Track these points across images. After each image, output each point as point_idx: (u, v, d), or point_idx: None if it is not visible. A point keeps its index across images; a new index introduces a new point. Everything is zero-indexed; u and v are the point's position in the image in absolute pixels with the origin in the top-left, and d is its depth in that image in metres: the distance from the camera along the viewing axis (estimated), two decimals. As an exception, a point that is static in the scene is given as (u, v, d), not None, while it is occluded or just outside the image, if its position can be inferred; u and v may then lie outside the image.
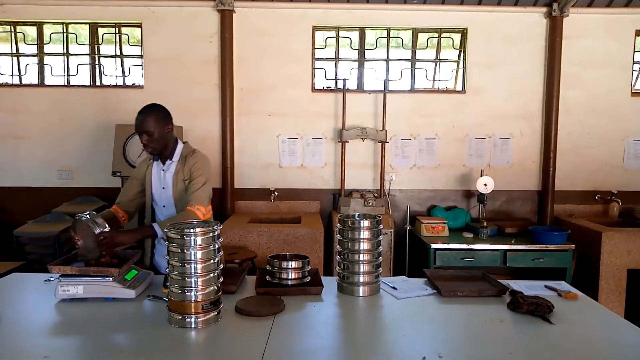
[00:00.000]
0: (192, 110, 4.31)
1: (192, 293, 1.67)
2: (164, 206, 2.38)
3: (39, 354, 1.46)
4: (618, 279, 3.67)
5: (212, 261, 1.72)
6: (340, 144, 4.30)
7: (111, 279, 1.91)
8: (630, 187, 4.44)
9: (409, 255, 4.11)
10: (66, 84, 4.40)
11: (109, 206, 4.10)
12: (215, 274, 1.74)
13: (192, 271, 1.68)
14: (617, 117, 4.42)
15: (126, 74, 4.43)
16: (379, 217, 2.12)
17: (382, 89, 4.29)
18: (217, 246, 1.75)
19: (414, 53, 4.44)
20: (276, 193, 4.37)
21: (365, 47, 4.44)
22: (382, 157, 4.30)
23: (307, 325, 1.76)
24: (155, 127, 2.25)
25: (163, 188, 2.37)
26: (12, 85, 4.39)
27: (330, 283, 2.14)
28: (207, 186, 2.32)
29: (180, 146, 2.40)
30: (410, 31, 4.42)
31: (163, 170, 2.38)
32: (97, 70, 4.42)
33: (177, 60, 4.29)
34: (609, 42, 4.35)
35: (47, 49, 4.40)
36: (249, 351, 1.50)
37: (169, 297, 1.72)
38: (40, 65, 4.40)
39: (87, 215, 2.03)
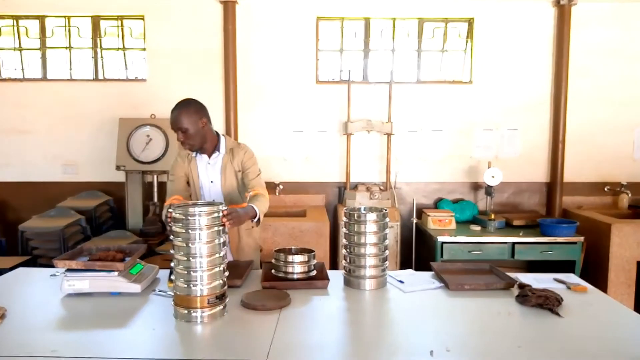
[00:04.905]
0: (196, 104, 4.27)
1: (198, 287, 1.67)
2: (212, 199, 2.38)
3: (46, 348, 1.47)
4: (627, 271, 3.64)
5: (217, 255, 1.71)
6: (346, 136, 4.27)
7: (117, 273, 1.91)
8: (640, 178, 4.39)
9: (416, 248, 4.08)
10: (69, 77, 4.39)
11: (113, 201, 4.17)
12: (221, 268, 1.73)
13: (198, 265, 1.67)
14: (627, 107, 4.34)
15: (129, 67, 4.41)
16: (385, 210, 2.10)
17: (388, 80, 4.24)
18: (222, 240, 1.74)
19: (419, 43, 4.38)
20: (281, 186, 4.35)
21: (370, 38, 4.39)
22: (388, 149, 4.26)
23: (313, 319, 1.75)
24: (189, 124, 2.27)
25: (211, 182, 2.39)
26: (15, 79, 4.37)
27: (336, 277, 2.13)
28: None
29: (223, 139, 2.45)
30: (416, 21, 4.36)
31: (209, 163, 2.40)
32: (100, 64, 4.40)
33: (180, 53, 4.26)
34: (618, 30, 4.27)
35: (50, 42, 4.37)
36: (255, 345, 1.50)
37: (175, 292, 1.72)
38: (43, 59, 4.38)
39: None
